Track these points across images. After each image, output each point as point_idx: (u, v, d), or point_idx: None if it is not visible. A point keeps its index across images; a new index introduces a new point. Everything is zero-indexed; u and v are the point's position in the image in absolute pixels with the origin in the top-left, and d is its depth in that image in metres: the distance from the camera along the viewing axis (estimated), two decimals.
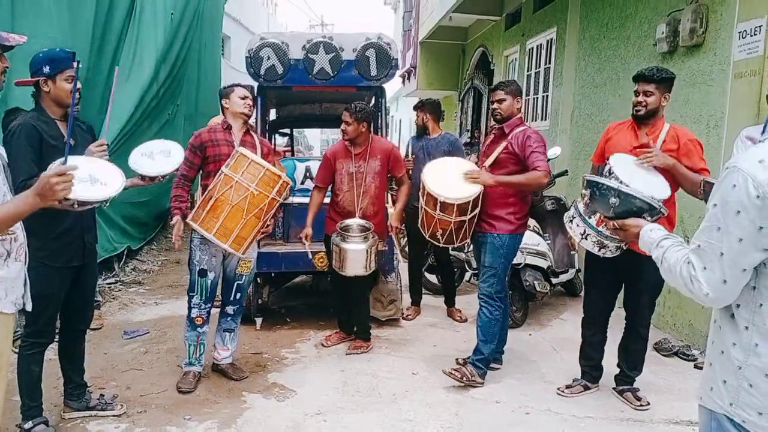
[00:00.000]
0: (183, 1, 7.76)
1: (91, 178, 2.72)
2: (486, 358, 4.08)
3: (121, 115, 6.53)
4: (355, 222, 4.41)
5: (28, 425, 3.15)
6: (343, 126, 4.44)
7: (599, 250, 3.38)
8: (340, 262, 4.31)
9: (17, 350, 3.15)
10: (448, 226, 3.94)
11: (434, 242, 4.17)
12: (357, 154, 4.51)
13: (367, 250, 4.28)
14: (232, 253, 3.68)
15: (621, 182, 3.10)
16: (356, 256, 4.27)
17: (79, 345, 3.48)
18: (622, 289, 3.93)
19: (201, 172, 3.99)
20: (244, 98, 3.97)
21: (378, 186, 4.55)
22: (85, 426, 3.39)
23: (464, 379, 4.00)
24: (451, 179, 3.94)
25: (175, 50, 7.53)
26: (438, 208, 3.88)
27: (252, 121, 5.94)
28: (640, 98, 3.61)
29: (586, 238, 3.38)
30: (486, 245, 4.02)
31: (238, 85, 4.08)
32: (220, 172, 3.63)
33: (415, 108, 5.64)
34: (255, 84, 5.22)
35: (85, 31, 6.00)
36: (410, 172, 5.38)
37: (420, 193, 4.08)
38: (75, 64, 2.98)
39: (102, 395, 3.59)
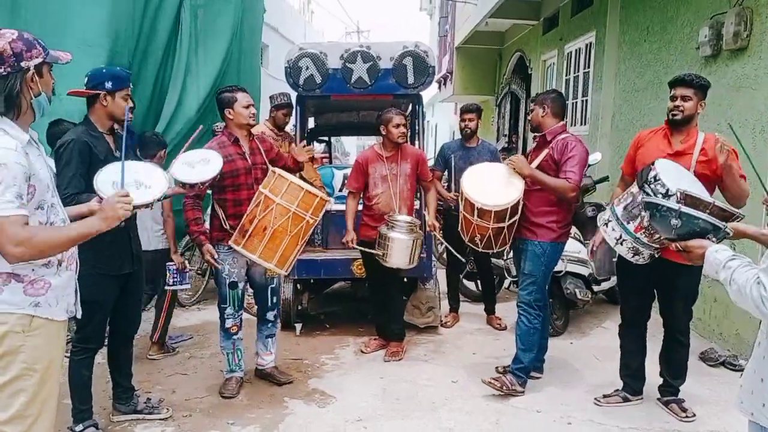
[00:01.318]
0: (227, 16, 7.89)
1: (136, 183, 2.81)
2: (526, 367, 4.05)
3: (175, 129, 6.74)
4: (402, 217, 4.46)
5: (78, 428, 3.26)
6: (402, 129, 4.53)
7: (633, 257, 3.32)
8: (385, 251, 4.35)
9: (68, 355, 3.25)
10: (486, 232, 3.95)
11: (473, 247, 4.18)
12: (388, 157, 4.61)
13: (412, 241, 4.35)
14: (279, 272, 3.78)
15: (668, 190, 3.05)
16: (401, 245, 4.32)
17: (126, 350, 3.58)
18: (656, 296, 3.85)
19: (213, 187, 3.85)
20: (248, 107, 3.87)
21: (409, 189, 4.65)
22: (132, 429, 3.49)
23: (504, 388, 3.98)
24: (489, 185, 3.95)
25: (216, 64, 7.67)
26: (476, 214, 3.89)
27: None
28: (678, 102, 3.55)
29: (621, 244, 3.31)
30: (526, 252, 4.00)
31: (239, 89, 3.94)
32: (259, 193, 3.66)
33: (469, 111, 5.48)
34: (292, 91, 5.30)
35: (128, 43, 6.19)
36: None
37: (459, 198, 4.09)
38: (130, 85, 3.17)
39: (149, 399, 3.69)
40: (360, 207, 4.75)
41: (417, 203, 4.98)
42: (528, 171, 3.86)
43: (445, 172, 5.65)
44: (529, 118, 4.11)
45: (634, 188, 3.32)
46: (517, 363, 4.07)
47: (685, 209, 2.21)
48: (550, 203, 3.93)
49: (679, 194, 2.80)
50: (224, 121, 3.96)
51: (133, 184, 2.78)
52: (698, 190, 3.22)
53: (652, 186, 3.13)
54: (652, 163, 3.25)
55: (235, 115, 3.87)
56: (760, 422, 1.71)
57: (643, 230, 3.20)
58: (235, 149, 3.88)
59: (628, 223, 3.27)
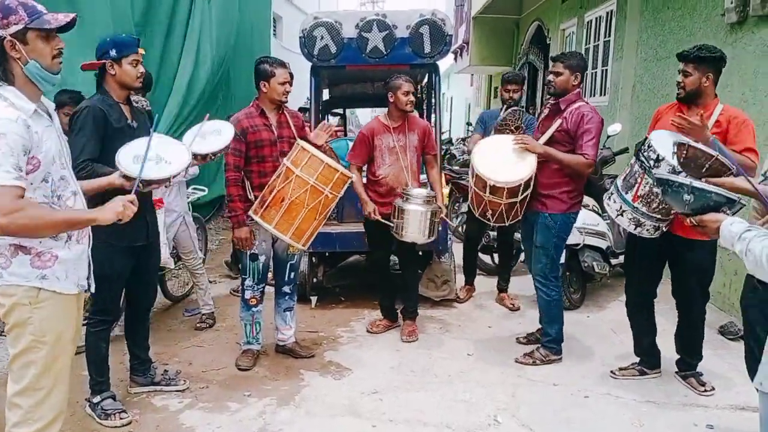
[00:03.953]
0: None
1: (157, 158, 2.78)
2: (555, 338, 4.07)
3: (190, 103, 6.74)
4: (418, 190, 4.31)
5: (96, 399, 3.28)
6: (411, 97, 4.30)
7: (635, 229, 3.32)
8: (401, 224, 4.17)
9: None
10: (498, 208, 3.87)
11: (484, 221, 4.11)
12: (396, 128, 4.39)
13: (430, 213, 4.16)
14: (296, 246, 3.72)
15: (658, 155, 3.04)
16: (419, 217, 4.14)
17: (143, 323, 3.59)
18: (664, 271, 3.76)
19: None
20: (284, 83, 3.80)
21: (417, 162, 4.47)
22: (150, 400, 3.52)
23: (538, 362, 4.02)
24: (502, 160, 3.83)
25: (224, 34, 7.63)
26: (488, 190, 3.80)
27: (304, 101, 5.99)
28: (679, 78, 3.44)
29: (622, 215, 3.34)
30: (537, 225, 3.96)
31: (279, 63, 3.86)
32: (282, 164, 3.64)
33: (512, 82, 5.23)
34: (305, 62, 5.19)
35: (155, 16, 6.19)
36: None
37: (469, 174, 4.00)
38: (139, 50, 3.09)
39: (166, 371, 3.71)
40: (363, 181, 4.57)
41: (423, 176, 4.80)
42: (541, 150, 3.78)
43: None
44: (553, 80, 3.89)
45: (633, 159, 3.36)
46: (545, 336, 4.09)
47: (696, 184, 2.16)
48: (561, 175, 3.87)
49: (677, 147, 2.77)
50: (257, 91, 3.91)
51: (153, 159, 2.76)
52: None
53: (645, 153, 3.16)
54: (647, 135, 3.25)
55: (270, 90, 3.83)
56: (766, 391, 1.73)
57: (640, 199, 3.24)
58: (261, 120, 3.86)
59: (626, 192, 3.30)
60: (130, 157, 2.74)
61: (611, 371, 3.92)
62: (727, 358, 4.18)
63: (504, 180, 3.75)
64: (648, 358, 3.87)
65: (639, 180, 3.23)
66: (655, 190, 2.64)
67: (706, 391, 3.67)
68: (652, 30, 6.85)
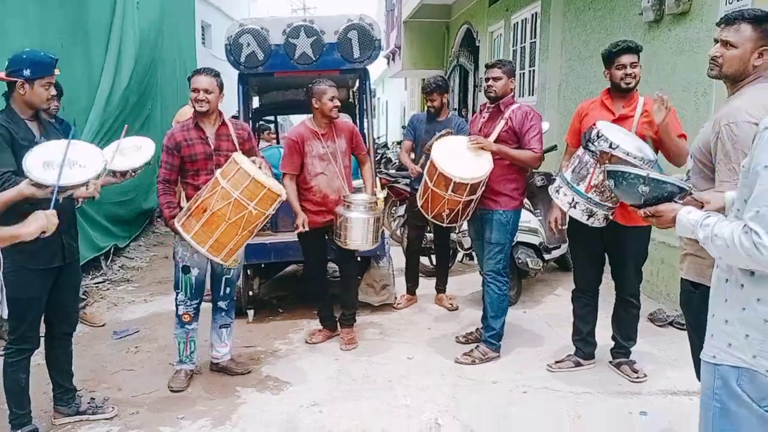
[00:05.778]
0: None
1: (70, 162, 2.64)
2: (498, 332, 4.13)
3: (108, 113, 6.50)
4: (359, 196, 4.26)
5: None
6: (336, 102, 4.22)
7: (588, 219, 3.42)
8: (344, 232, 4.13)
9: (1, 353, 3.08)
10: (456, 206, 3.92)
11: (437, 222, 4.14)
12: (324, 134, 4.30)
13: (372, 219, 4.14)
14: (212, 259, 3.56)
15: (611, 144, 3.14)
16: (361, 225, 4.11)
17: (65, 349, 3.39)
18: (606, 260, 3.88)
19: (180, 171, 3.77)
20: (196, 91, 3.67)
21: (347, 166, 4.41)
22: (76, 431, 3.33)
23: (477, 361, 4.05)
24: (461, 158, 3.91)
25: (148, 44, 7.40)
26: (450, 188, 3.84)
27: (235, 109, 5.84)
28: (629, 70, 3.55)
29: (574, 207, 3.42)
30: (491, 222, 4.03)
31: (202, 71, 3.75)
32: (214, 174, 3.49)
33: (432, 92, 5.21)
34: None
35: (77, 26, 5.94)
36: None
37: (427, 175, 3.99)
38: (55, 71, 2.94)
39: (93, 399, 3.53)
40: None
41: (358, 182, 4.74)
42: (495, 148, 3.91)
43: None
44: (493, 85, 3.99)
45: (580, 151, 3.42)
46: (489, 330, 4.13)
47: (653, 175, 2.14)
48: (511, 172, 4.00)
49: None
50: None
51: (66, 164, 2.62)
52: (641, 141, 3.30)
53: (596, 143, 3.22)
54: (593, 125, 3.31)
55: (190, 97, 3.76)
56: (726, 362, 1.76)
57: (594, 189, 3.35)
58: (197, 133, 3.74)
59: (578, 184, 3.38)
60: (39, 163, 2.58)
61: (548, 364, 3.98)
62: (657, 344, 4.31)
63: (470, 176, 3.81)
64: (584, 346, 3.95)
65: (591, 170, 3.32)
66: (592, 173, 2.60)
67: (638, 378, 3.77)
68: (574, 31, 7.04)
